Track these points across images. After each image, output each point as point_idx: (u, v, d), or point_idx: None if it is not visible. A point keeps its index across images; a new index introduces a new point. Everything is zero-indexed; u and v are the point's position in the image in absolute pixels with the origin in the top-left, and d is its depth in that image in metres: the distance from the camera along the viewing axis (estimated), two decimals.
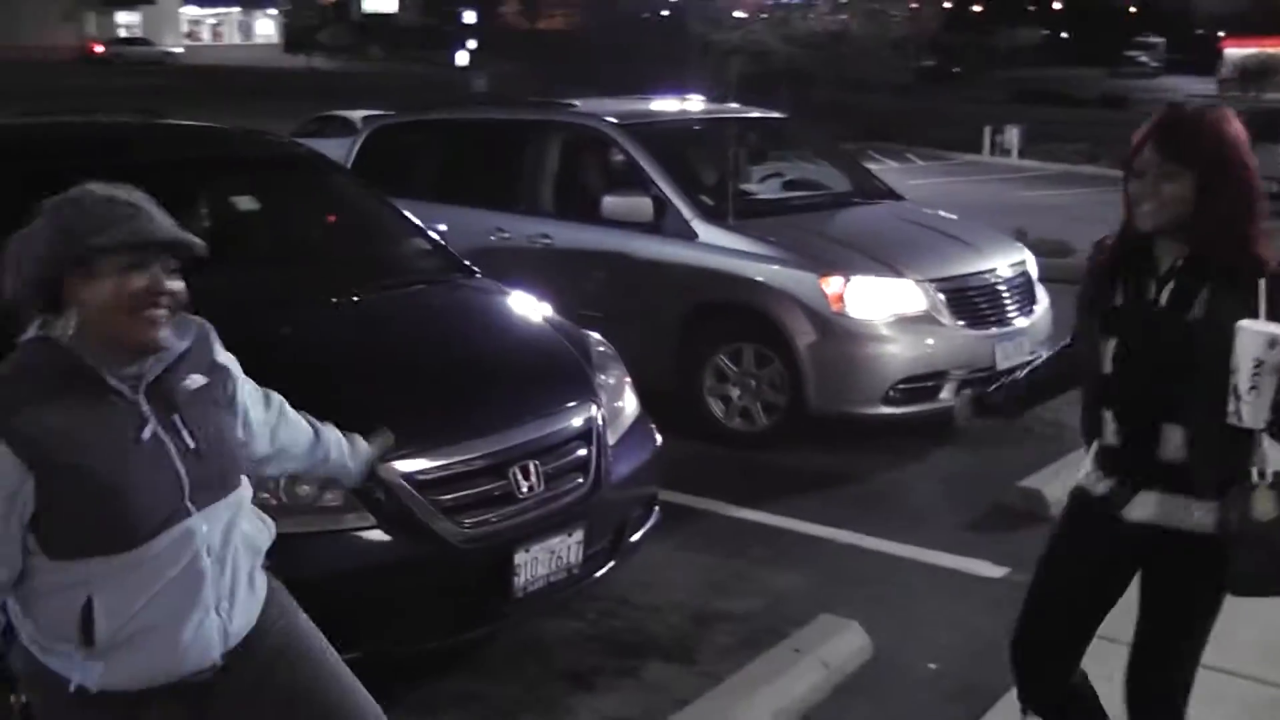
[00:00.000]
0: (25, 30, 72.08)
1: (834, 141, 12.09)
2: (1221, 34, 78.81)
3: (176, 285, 2.47)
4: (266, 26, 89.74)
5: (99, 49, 75.14)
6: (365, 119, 26.01)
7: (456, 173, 9.59)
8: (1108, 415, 3.25)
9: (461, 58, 72.60)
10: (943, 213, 9.08)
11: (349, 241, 6.35)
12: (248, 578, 2.66)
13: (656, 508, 5.48)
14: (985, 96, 59.69)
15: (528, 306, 5.84)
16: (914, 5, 40.69)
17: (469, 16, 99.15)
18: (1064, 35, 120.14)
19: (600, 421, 5.06)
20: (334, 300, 5.44)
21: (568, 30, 72.82)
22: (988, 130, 33.95)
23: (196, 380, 2.59)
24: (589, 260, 8.22)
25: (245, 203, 6.43)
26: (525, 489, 4.63)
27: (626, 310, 7.74)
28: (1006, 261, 8.02)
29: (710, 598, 5.56)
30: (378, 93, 43.34)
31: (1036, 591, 3.53)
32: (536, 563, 4.66)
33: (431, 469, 4.43)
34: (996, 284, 7.76)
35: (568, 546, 4.76)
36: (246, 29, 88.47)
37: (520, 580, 4.61)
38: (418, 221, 6.45)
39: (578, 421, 4.98)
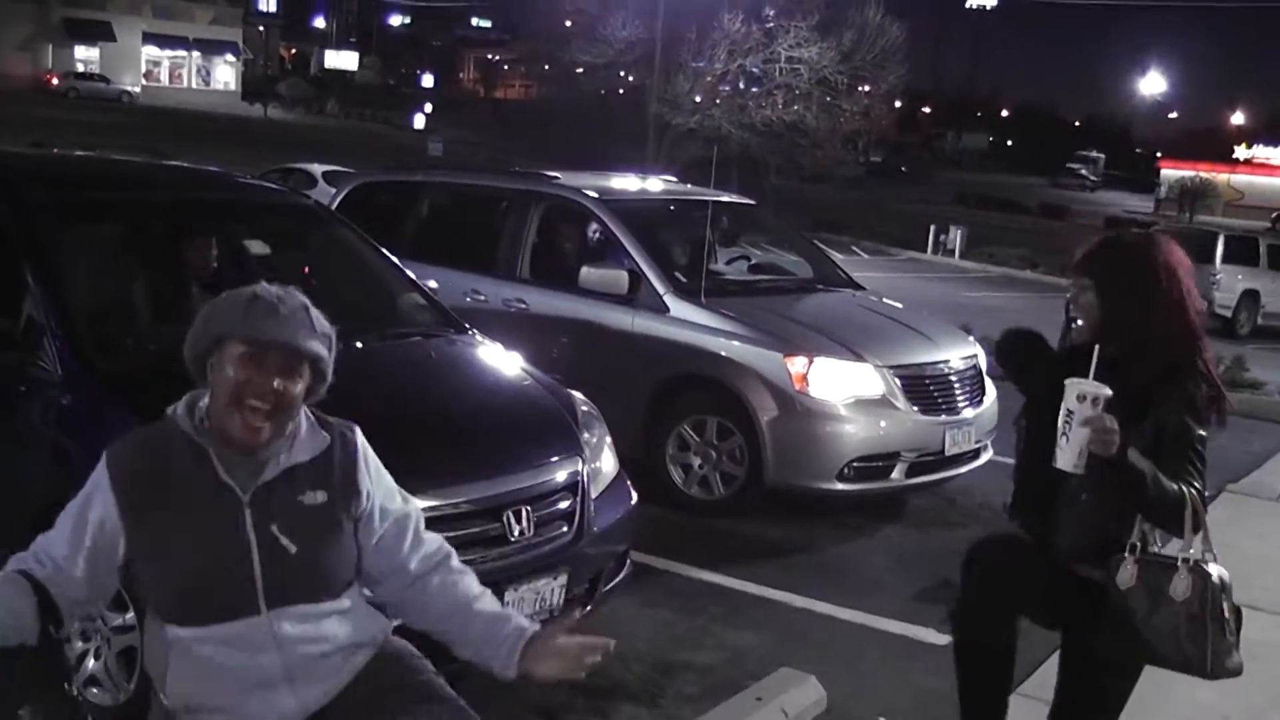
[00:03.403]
0: None
1: (799, 230, 12.53)
2: (1159, 154, 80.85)
3: (289, 388, 2.65)
4: (225, 73, 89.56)
5: (54, 81, 74.91)
6: (326, 174, 26.46)
7: (435, 233, 9.94)
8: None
9: (419, 120, 73.26)
10: (899, 304, 9.53)
11: (351, 290, 6.67)
12: (330, 667, 2.77)
13: (629, 562, 5.83)
14: (930, 196, 60.93)
15: (518, 364, 6.19)
16: (867, 102, 41.44)
17: (427, 80, 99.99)
18: (1009, 143, 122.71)
19: (585, 476, 5.42)
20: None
21: (525, 101, 73.51)
22: (932, 229, 34.72)
23: (316, 497, 2.75)
24: (562, 327, 8.57)
25: (256, 246, 6.74)
26: (516, 532, 4.97)
27: (596, 377, 8.04)
28: (959, 354, 8.46)
29: (673, 650, 5.88)
30: (335, 148, 43.72)
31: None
32: (523, 602, 4.97)
33: (433, 508, 4.74)
34: (949, 374, 8.19)
35: (551, 589, 5.09)
36: (205, 74, 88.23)
37: None
38: (414, 277, 6.79)
39: (565, 474, 5.34)
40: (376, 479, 2.89)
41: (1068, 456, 3.30)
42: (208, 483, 2.64)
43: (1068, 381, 3.30)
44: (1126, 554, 3.45)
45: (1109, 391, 3.25)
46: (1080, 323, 3.64)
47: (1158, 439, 3.43)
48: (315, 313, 2.72)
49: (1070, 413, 3.27)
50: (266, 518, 2.66)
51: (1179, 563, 3.42)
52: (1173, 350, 3.54)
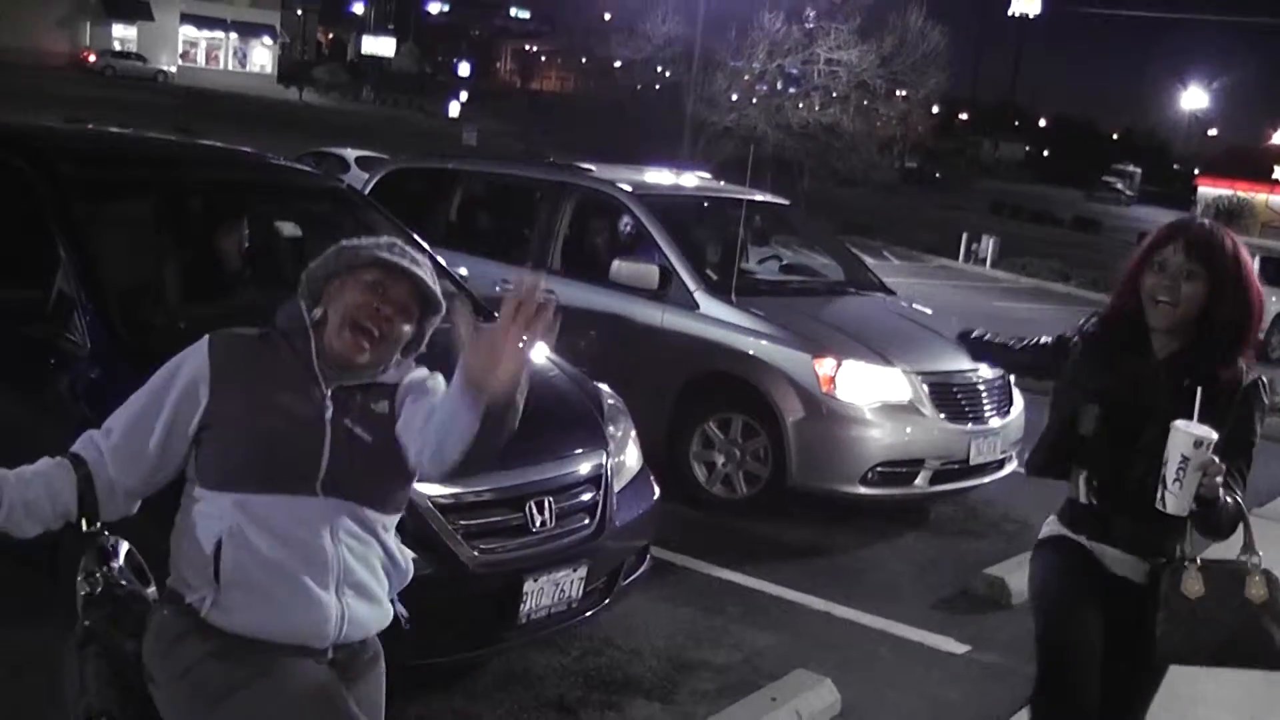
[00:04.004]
0: (18, 33, 71.73)
1: (832, 232, 12.52)
2: (1197, 171, 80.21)
3: (399, 326, 2.87)
4: (262, 56, 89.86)
5: (91, 59, 75.24)
6: (359, 159, 26.54)
7: (467, 221, 9.95)
8: (1081, 474, 3.66)
9: (453, 109, 73.41)
10: (929, 310, 9.48)
11: None
12: (371, 590, 2.88)
13: (649, 557, 5.81)
14: (963, 204, 60.73)
15: (546, 355, 6.17)
16: (904, 107, 41.31)
17: (464, 69, 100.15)
18: (1045, 154, 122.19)
19: (609, 470, 5.41)
20: None
21: (561, 93, 73.57)
22: (964, 237, 34.51)
23: (382, 406, 2.90)
24: (591, 320, 8.53)
25: (288, 228, 6.74)
26: (538, 523, 4.96)
27: (622, 371, 8.00)
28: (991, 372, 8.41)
29: (689, 647, 5.86)
30: (369, 134, 43.82)
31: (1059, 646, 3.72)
32: (542, 593, 4.97)
33: (456, 494, 4.75)
34: (977, 383, 8.13)
35: (571, 581, 5.08)
36: (242, 56, 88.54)
37: (526, 608, 4.91)
38: (444, 264, 6.79)
39: (589, 467, 5.34)
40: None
41: (1181, 502, 3.28)
42: (299, 367, 2.83)
43: (1178, 425, 3.27)
44: (1187, 563, 3.44)
45: (1216, 435, 3.25)
46: (1163, 304, 3.54)
47: (1226, 437, 3.40)
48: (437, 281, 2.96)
49: (1185, 459, 3.25)
50: (343, 412, 2.83)
51: (1249, 566, 3.43)
52: (1246, 351, 3.52)
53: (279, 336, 2.89)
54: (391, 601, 3.02)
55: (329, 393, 2.83)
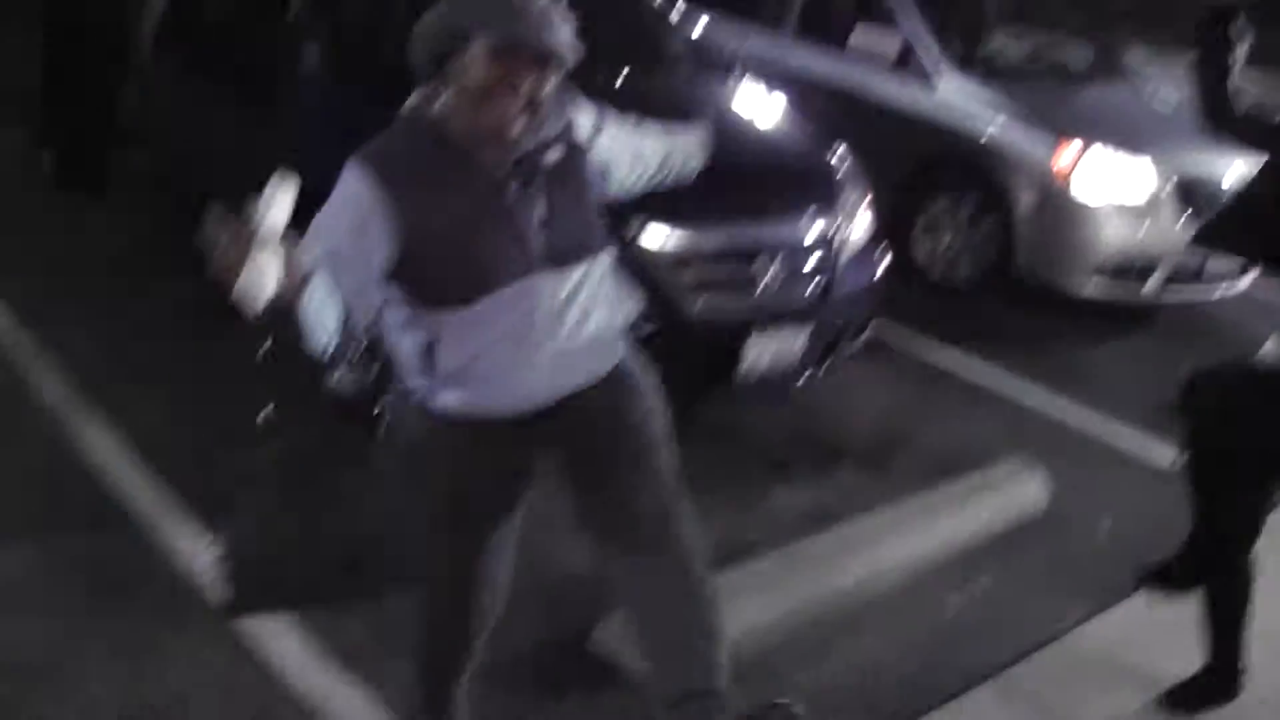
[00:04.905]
0: None
1: (1087, 19, 11.76)
2: None
3: (539, 88, 2.55)
4: None
5: None
6: None
7: None
8: None
9: None
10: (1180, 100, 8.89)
11: (633, 28, 6.49)
12: (589, 340, 2.76)
13: (869, 327, 5.71)
14: None
15: (789, 114, 6.03)
16: None
17: None
18: None
19: (838, 234, 5.29)
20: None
21: None
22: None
23: (554, 154, 2.71)
24: (824, 90, 8.19)
25: None
26: (764, 280, 4.90)
27: (851, 143, 7.75)
28: (1239, 174, 7.93)
29: (903, 422, 5.83)
30: None
31: None
32: (762, 350, 4.94)
33: (684, 244, 4.72)
34: (1225, 189, 7.68)
35: (792, 342, 5.04)
36: None
37: (745, 364, 4.91)
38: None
39: (820, 229, 5.22)
40: (612, 138, 2.93)
41: None
42: (460, 165, 2.62)
43: None
44: None
45: None
46: None
47: None
48: (558, 5, 2.61)
49: None
50: (523, 183, 2.65)
51: None
52: None
53: (423, 128, 2.64)
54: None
55: (502, 175, 2.64)
